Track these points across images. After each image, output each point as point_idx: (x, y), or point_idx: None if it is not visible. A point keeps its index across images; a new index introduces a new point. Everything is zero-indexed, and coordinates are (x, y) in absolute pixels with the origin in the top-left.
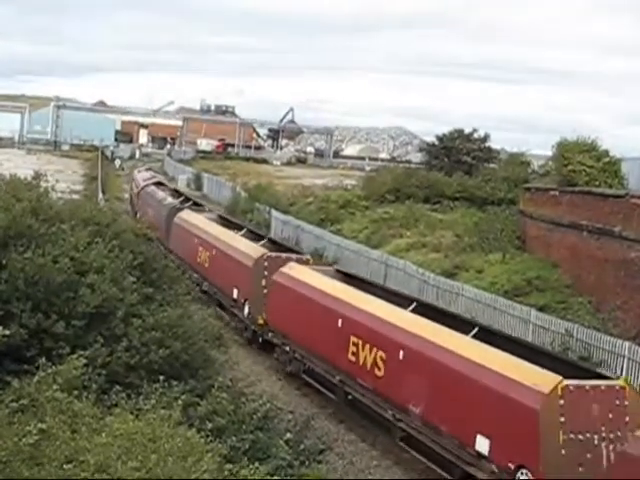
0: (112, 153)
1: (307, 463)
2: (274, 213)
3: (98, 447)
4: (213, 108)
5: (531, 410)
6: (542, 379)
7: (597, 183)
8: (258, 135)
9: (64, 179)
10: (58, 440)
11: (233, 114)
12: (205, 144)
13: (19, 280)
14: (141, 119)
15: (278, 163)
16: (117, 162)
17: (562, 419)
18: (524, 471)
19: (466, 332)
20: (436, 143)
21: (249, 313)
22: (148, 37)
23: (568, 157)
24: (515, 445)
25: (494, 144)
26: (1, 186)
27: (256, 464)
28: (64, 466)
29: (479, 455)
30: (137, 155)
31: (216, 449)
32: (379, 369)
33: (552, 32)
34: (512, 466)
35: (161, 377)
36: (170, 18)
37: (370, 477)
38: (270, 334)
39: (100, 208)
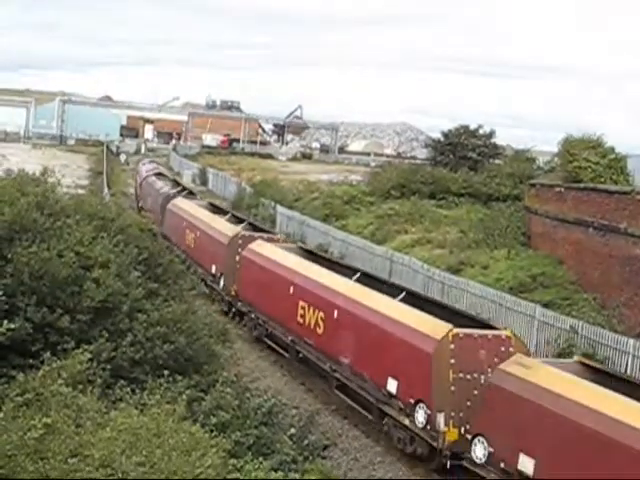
0: (117, 148)
1: (311, 458)
2: (279, 209)
3: (103, 442)
4: (218, 103)
5: (426, 353)
6: (437, 328)
7: (602, 180)
8: (263, 130)
9: (70, 174)
10: (63, 434)
11: (238, 109)
12: (210, 139)
13: (24, 274)
14: (147, 114)
15: (283, 159)
16: (122, 157)
17: (452, 361)
18: (421, 405)
19: (395, 296)
20: (441, 139)
21: (224, 285)
22: (153, 32)
23: (574, 154)
24: (415, 384)
25: (499, 140)
26: (7, 181)
27: (260, 459)
28: (69, 460)
29: (390, 394)
30: (142, 150)
31: (220, 444)
32: (319, 328)
33: (558, 29)
34: (412, 401)
35: (166, 372)
36: (175, 13)
37: (374, 473)
38: (239, 304)
39: (105, 203)
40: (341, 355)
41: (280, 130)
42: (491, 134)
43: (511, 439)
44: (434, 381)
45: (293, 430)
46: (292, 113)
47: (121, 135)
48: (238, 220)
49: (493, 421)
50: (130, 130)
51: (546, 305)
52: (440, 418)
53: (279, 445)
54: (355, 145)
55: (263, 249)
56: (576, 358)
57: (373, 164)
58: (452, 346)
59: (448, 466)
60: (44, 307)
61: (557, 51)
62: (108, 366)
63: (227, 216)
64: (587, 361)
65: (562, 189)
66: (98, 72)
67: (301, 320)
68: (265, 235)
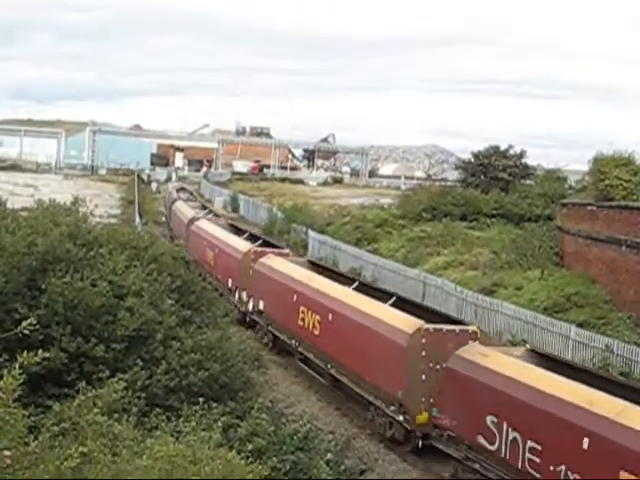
0: (148, 177)
1: None
2: (311, 233)
3: (139, 470)
4: (248, 130)
5: (238, 260)
6: (245, 246)
7: (635, 197)
8: (293, 156)
9: (101, 203)
10: (99, 463)
11: (268, 135)
12: (241, 166)
13: (58, 304)
14: (177, 142)
15: (314, 183)
16: (154, 185)
17: (252, 264)
18: (239, 288)
19: (253, 241)
20: (472, 160)
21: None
22: (182, 60)
23: (605, 172)
24: (235, 277)
25: (530, 160)
26: (39, 211)
27: None
28: None
29: (229, 288)
30: (173, 178)
31: (257, 470)
32: (212, 261)
33: (587, 47)
34: (235, 287)
35: (201, 399)
36: (203, 41)
37: None
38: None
39: (138, 232)
40: (217, 274)
41: (310, 155)
42: (522, 154)
43: (258, 294)
44: (242, 273)
45: (330, 455)
46: (324, 139)
47: (152, 164)
48: (209, 211)
49: (255, 288)
50: (161, 158)
51: (580, 325)
52: (244, 293)
53: (316, 470)
54: (386, 168)
55: (201, 223)
56: (309, 259)
57: (404, 187)
58: (252, 256)
59: (247, 320)
60: (79, 337)
61: (589, 68)
62: (143, 394)
63: (205, 211)
64: (313, 260)
65: (594, 208)
66: (127, 102)
67: (212, 263)
68: (211, 216)
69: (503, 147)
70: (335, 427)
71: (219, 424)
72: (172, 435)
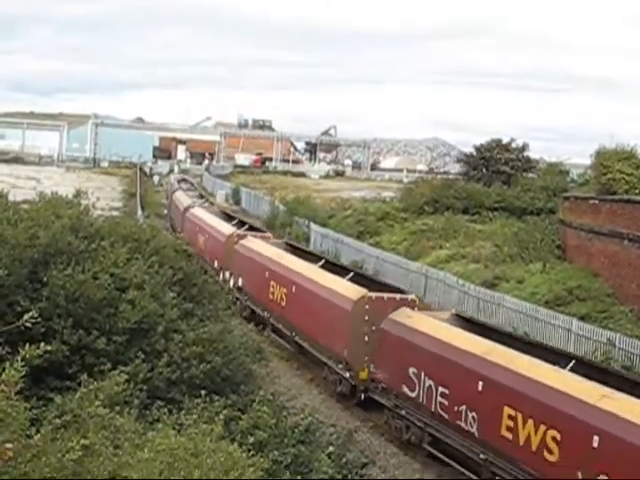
0: (150, 169)
1: (350, 476)
2: (313, 226)
3: (141, 463)
4: (250, 123)
5: (222, 242)
6: (228, 230)
7: (637, 191)
8: (295, 149)
9: (103, 196)
10: (101, 456)
11: (270, 128)
12: (243, 159)
13: (60, 297)
14: (179, 135)
15: (316, 176)
16: (156, 178)
17: (236, 247)
18: (223, 269)
19: (243, 227)
20: (474, 153)
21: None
22: (182, 53)
23: (607, 165)
24: (221, 259)
25: (532, 154)
26: (41, 204)
27: (299, 478)
28: None
29: (215, 269)
30: (175, 171)
31: (258, 463)
32: (203, 247)
33: (589, 40)
34: (220, 267)
35: (202, 392)
36: (202, 34)
37: None
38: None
39: (140, 225)
40: (206, 256)
41: (312, 148)
42: (524, 147)
43: (237, 271)
44: (226, 255)
45: (331, 448)
46: (326, 132)
47: (154, 156)
48: (206, 200)
49: (236, 267)
50: (163, 151)
51: (582, 318)
52: (227, 273)
53: (317, 463)
54: (387, 161)
55: (196, 211)
56: (285, 240)
57: (406, 180)
58: (235, 239)
59: (234, 299)
60: (80, 329)
61: (591, 61)
62: (145, 387)
63: (202, 200)
64: (292, 242)
65: (596, 201)
66: (129, 94)
67: (203, 247)
68: (205, 204)
69: (505, 140)
70: (336, 420)
71: (221, 417)
72: (174, 428)
